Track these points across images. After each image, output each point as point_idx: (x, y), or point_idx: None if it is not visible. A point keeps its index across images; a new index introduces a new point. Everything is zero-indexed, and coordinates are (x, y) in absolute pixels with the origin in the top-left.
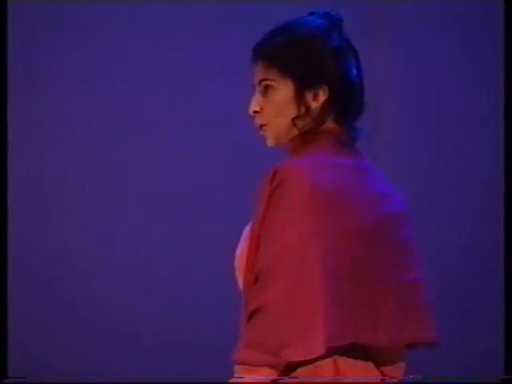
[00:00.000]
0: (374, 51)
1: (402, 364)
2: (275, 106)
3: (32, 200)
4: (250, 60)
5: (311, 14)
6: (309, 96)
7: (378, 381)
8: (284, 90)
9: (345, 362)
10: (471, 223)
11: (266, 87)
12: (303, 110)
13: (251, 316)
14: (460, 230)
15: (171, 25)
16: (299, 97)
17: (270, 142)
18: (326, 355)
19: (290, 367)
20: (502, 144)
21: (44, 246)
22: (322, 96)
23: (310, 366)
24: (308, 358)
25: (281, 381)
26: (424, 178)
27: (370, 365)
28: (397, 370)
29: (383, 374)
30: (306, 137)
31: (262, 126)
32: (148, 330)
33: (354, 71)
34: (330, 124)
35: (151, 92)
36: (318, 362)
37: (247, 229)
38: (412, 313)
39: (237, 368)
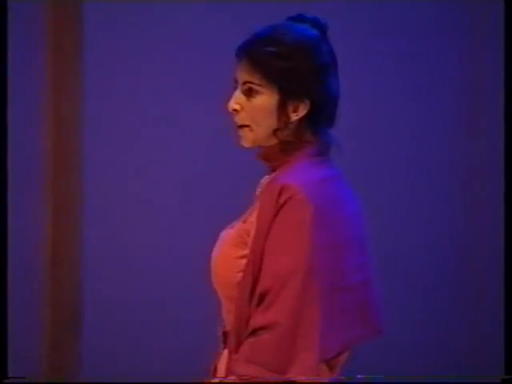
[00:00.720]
0: (372, 50)
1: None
2: (257, 111)
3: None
4: (234, 54)
5: (300, 16)
6: (290, 108)
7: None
8: (268, 97)
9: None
10: (471, 223)
11: (250, 89)
12: (283, 120)
13: (255, 332)
14: (460, 230)
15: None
16: (281, 107)
17: (246, 144)
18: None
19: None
20: (502, 144)
21: (44, 245)
22: (303, 109)
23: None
24: (308, 376)
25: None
26: (424, 177)
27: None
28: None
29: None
30: (285, 146)
31: (241, 126)
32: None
33: (335, 85)
34: (307, 134)
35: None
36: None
37: (229, 232)
38: (371, 310)
39: (234, 380)
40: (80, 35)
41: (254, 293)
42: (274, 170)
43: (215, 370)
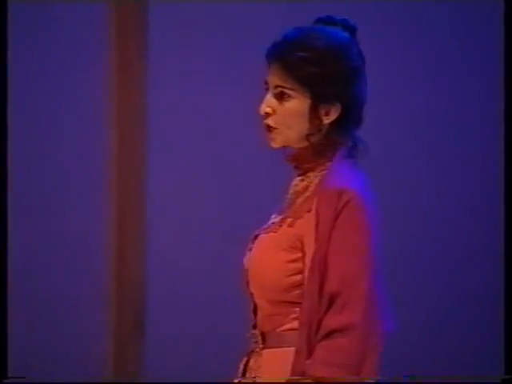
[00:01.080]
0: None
1: None
2: (289, 115)
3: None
4: (264, 56)
5: (329, 18)
6: (322, 111)
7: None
8: (300, 101)
9: None
10: (471, 223)
11: (282, 93)
12: (316, 124)
13: (330, 335)
14: (460, 230)
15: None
16: (313, 111)
17: (275, 144)
18: None
19: None
20: (502, 144)
21: (44, 246)
22: (335, 113)
23: None
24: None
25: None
26: (423, 177)
27: None
28: None
29: None
30: (317, 149)
31: (271, 127)
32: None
33: (364, 87)
34: (338, 137)
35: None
36: None
37: (272, 236)
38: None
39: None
40: (144, 35)
41: (322, 295)
42: (304, 173)
43: (245, 369)
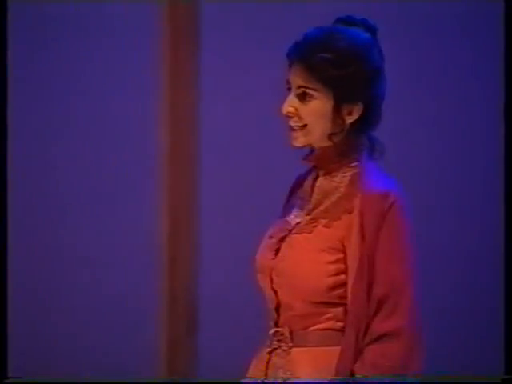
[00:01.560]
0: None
1: None
2: (312, 115)
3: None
4: (286, 56)
5: (350, 18)
6: (345, 111)
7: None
8: (323, 102)
9: None
10: (471, 223)
11: (305, 93)
12: (338, 124)
13: (380, 339)
14: (460, 230)
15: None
16: (336, 111)
17: (298, 143)
18: None
19: None
20: (502, 144)
21: (44, 247)
22: (357, 112)
23: None
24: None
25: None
26: (423, 178)
27: None
28: None
29: None
30: (341, 149)
31: (295, 128)
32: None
33: (384, 87)
34: (359, 137)
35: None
36: None
37: (306, 237)
38: None
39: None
40: (197, 35)
41: (370, 298)
42: (328, 173)
43: (267, 366)
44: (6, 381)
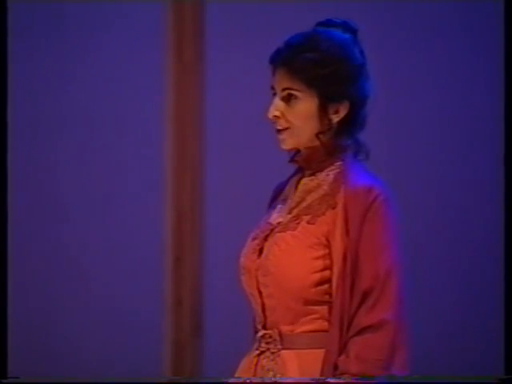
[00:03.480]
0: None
1: None
2: (298, 116)
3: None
4: (269, 62)
5: (330, 21)
6: (331, 110)
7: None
8: (308, 102)
9: None
10: (471, 223)
11: (290, 95)
12: (325, 123)
13: (362, 331)
14: (460, 230)
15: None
16: (323, 111)
17: (286, 146)
18: None
19: None
20: (502, 144)
21: (44, 247)
22: (343, 111)
23: None
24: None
25: (283, 381)
26: (424, 178)
27: None
28: None
29: None
30: (328, 149)
31: (281, 130)
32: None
33: (368, 85)
34: (345, 137)
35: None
36: None
37: (294, 234)
38: None
39: (346, 379)
40: (201, 44)
41: (354, 292)
42: (313, 173)
43: (256, 369)
44: (6, 381)
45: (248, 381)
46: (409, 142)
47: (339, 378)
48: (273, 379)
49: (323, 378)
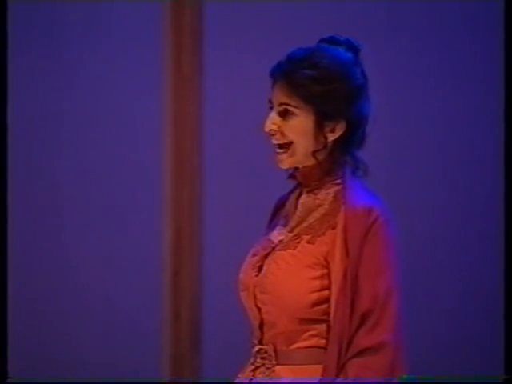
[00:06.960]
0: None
1: None
2: (293, 132)
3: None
4: (269, 75)
5: (333, 39)
6: (327, 128)
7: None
8: (304, 118)
9: None
10: (471, 223)
11: (286, 111)
12: (321, 141)
13: (362, 353)
14: (460, 230)
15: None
16: (318, 128)
17: (284, 165)
18: None
19: None
20: (502, 144)
21: (44, 247)
22: (340, 130)
23: None
24: None
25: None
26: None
27: None
28: None
29: None
30: (325, 167)
31: (279, 145)
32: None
33: (367, 106)
34: (342, 155)
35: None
36: None
37: (292, 254)
38: None
39: None
40: (200, 56)
41: (353, 313)
42: (311, 190)
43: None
44: (6, 381)
45: None
46: (409, 142)
47: (345, 378)
48: None
49: (327, 377)
